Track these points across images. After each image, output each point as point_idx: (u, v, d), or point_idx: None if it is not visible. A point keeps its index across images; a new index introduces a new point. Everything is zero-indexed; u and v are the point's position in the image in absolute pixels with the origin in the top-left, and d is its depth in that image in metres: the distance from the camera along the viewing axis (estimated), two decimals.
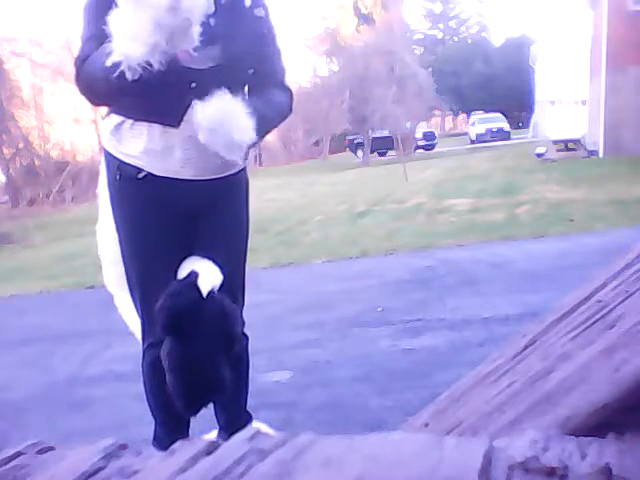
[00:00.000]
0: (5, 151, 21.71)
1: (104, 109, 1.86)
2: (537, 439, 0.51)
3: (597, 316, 0.79)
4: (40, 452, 0.58)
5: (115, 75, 1.52)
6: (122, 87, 1.55)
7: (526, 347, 0.89)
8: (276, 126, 1.90)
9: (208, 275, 1.71)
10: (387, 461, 0.48)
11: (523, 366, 0.81)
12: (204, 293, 1.65)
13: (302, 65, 34.38)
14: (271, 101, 1.82)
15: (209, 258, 1.78)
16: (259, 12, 1.80)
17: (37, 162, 23.04)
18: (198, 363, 1.68)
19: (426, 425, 0.87)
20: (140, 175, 1.74)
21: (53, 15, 41.70)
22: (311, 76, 32.66)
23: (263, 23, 1.82)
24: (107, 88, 1.60)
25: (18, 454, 0.58)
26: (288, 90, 1.93)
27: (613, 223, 6.36)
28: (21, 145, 22.23)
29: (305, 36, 33.60)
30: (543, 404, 0.61)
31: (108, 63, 1.52)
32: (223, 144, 1.62)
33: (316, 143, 32.94)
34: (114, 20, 1.50)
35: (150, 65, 1.49)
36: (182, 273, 1.75)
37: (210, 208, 1.83)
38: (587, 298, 0.91)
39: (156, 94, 1.64)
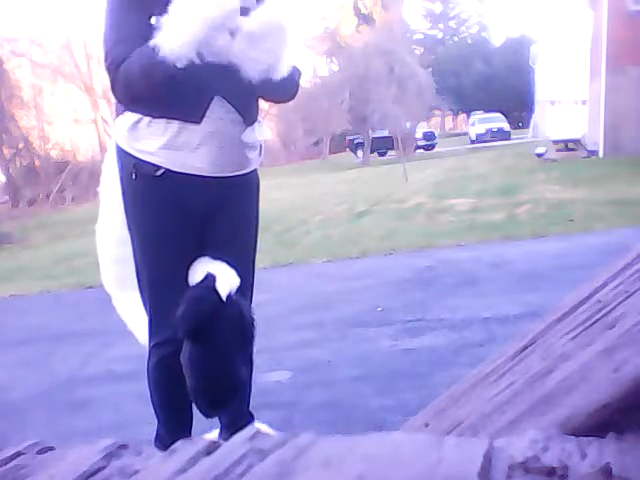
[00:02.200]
0: (5, 151, 21.72)
1: (106, 109, 1.86)
2: (537, 439, 0.51)
3: (597, 316, 0.79)
4: (40, 452, 0.58)
5: (166, 67, 1.54)
6: (170, 78, 1.57)
7: (526, 347, 0.89)
8: (283, 97, 1.90)
9: (225, 278, 1.73)
10: (387, 461, 0.48)
11: (523, 366, 0.81)
12: (223, 297, 1.67)
13: (302, 65, 34.32)
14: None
15: (223, 258, 1.78)
16: None
17: (37, 162, 23.05)
18: (220, 366, 1.74)
19: (426, 425, 0.87)
20: (158, 172, 1.73)
21: (53, 15, 41.72)
22: (311, 76, 32.62)
23: None
24: (153, 83, 1.61)
25: (18, 454, 0.58)
26: (299, 72, 1.91)
27: (613, 223, 6.36)
28: (21, 145, 22.24)
29: (305, 36, 33.58)
30: (543, 404, 0.61)
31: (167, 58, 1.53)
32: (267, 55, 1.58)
33: (316, 143, 32.95)
34: (168, 17, 1.52)
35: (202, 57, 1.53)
36: (197, 275, 1.76)
37: (224, 207, 1.83)
38: (587, 298, 0.91)
39: (176, 90, 1.64)
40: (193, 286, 1.73)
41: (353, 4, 35.70)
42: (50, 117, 24.40)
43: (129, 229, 1.82)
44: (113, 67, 1.66)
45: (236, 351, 1.76)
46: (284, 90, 1.83)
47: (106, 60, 1.69)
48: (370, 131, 27.95)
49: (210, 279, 1.71)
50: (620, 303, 0.78)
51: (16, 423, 2.90)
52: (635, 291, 0.80)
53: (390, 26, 30.17)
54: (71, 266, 8.05)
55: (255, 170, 1.91)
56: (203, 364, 1.72)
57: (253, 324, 1.79)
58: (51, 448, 0.59)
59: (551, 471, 0.46)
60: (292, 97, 1.91)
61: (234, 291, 1.73)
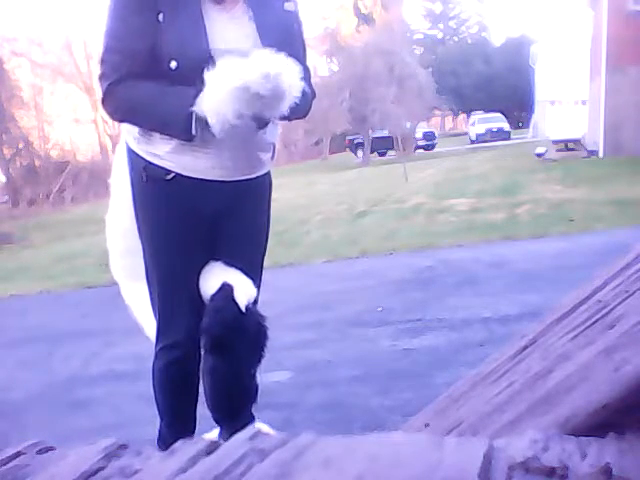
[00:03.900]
0: (5, 151, 21.74)
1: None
2: (537, 439, 0.51)
3: (597, 316, 0.79)
4: (40, 452, 0.58)
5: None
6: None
7: (526, 347, 0.89)
8: (298, 117, 1.83)
9: (243, 289, 1.73)
10: (387, 461, 0.48)
11: (523, 366, 0.81)
12: (242, 308, 1.68)
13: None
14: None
15: (235, 265, 1.78)
16: (289, 6, 1.77)
17: (37, 162, 23.08)
18: (239, 376, 1.78)
19: (426, 425, 0.87)
20: (168, 176, 1.71)
21: (53, 15, 41.76)
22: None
23: (293, 18, 1.79)
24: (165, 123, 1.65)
25: (18, 454, 0.58)
26: (313, 92, 1.85)
27: (613, 223, 6.36)
28: (21, 145, 22.26)
29: (305, 36, 33.51)
30: (543, 404, 0.61)
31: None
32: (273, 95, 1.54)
33: (316, 143, 32.92)
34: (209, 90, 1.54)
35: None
36: (212, 283, 1.75)
37: (235, 210, 1.81)
38: (587, 298, 0.91)
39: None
40: (213, 298, 1.72)
41: (353, 4, 35.69)
42: (50, 117, 24.43)
43: (139, 231, 1.80)
44: (106, 83, 1.65)
45: (252, 360, 1.78)
46: (292, 115, 1.76)
47: (100, 66, 1.67)
48: (370, 131, 27.94)
49: (228, 289, 1.70)
50: (620, 303, 0.78)
51: (16, 423, 2.90)
52: (635, 291, 0.80)
53: (390, 26, 30.17)
54: (71, 266, 8.03)
55: (268, 172, 1.88)
56: (224, 374, 1.75)
57: (267, 333, 1.80)
58: (51, 448, 0.59)
59: (551, 471, 0.46)
60: (303, 117, 1.87)
61: (251, 301, 1.73)
